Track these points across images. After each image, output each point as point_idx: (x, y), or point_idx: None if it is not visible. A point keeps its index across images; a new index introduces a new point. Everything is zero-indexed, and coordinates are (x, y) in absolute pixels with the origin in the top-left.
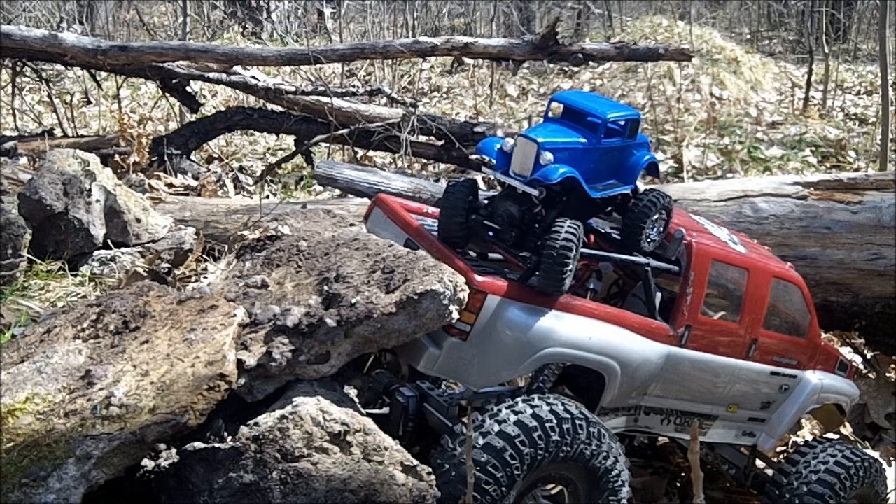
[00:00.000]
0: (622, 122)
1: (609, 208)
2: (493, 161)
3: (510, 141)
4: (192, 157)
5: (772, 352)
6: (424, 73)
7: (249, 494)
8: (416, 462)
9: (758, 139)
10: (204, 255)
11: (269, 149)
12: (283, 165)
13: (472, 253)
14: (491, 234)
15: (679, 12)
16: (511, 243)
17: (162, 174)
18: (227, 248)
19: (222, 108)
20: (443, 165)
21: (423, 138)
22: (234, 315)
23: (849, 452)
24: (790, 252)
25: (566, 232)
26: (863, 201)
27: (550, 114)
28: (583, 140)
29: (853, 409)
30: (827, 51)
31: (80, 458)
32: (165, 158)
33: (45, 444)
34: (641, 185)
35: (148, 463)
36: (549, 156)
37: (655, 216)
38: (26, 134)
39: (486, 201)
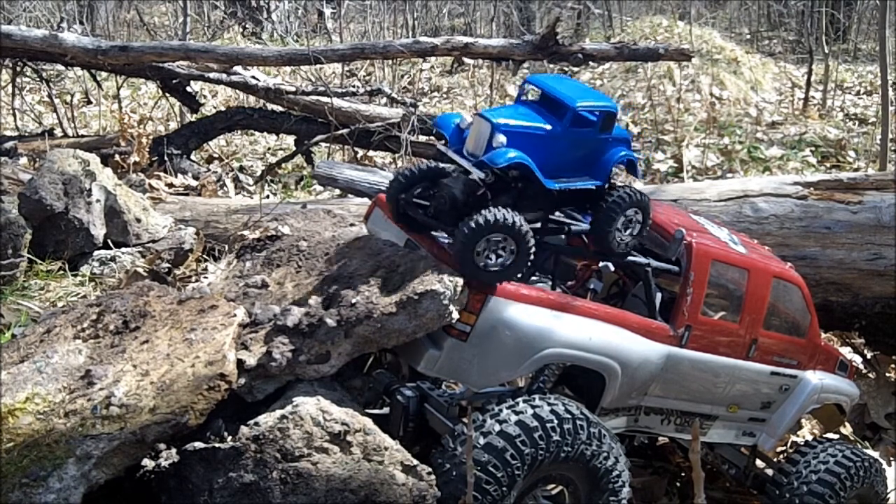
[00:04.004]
0: (594, 113)
1: (579, 204)
2: (447, 137)
3: (468, 118)
4: (193, 157)
5: (772, 352)
6: (424, 73)
7: (249, 494)
8: (416, 462)
9: (758, 139)
10: (204, 255)
11: (269, 149)
12: (283, 165)
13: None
14: (422, 212)
15: (679, 12)
16: (447, 224)
17: (162, 174)
18: (227, 248)
19: (222, 108)
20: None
21: (423, 138)
22: (234, 315)
23: (849, 452)
24: (790, 252)
25: (486, 215)
26: (863, 201)
27: (524, 97)
28: (546, 126)
29: (853, 409)
30: (827, 51)
31: (80, 457)
32: (165, 158)
33: (45, 443)
34: (638, 184)
35: (148, 463)
36: (501, 138)
37: (625, 216)
38: (26, 134)
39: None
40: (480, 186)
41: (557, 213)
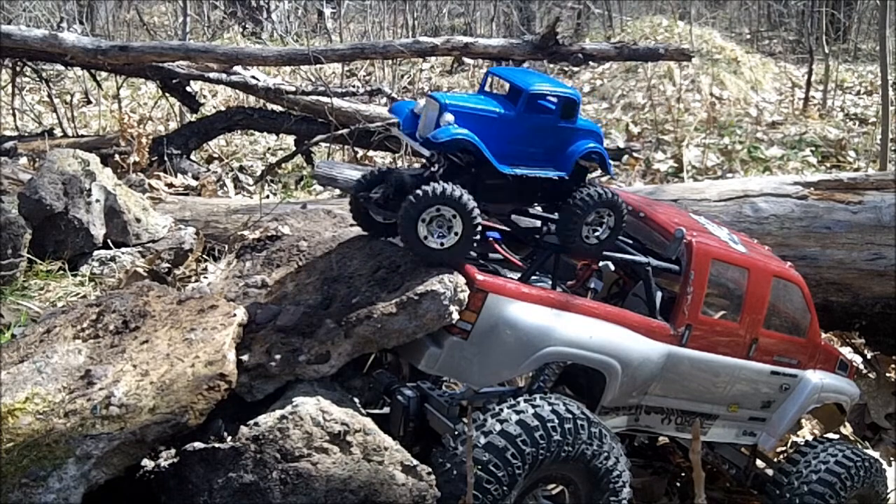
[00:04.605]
0: (551, 98)
1: (546, 199)
2: (400, 122)
3: (421, 102)
4: (192, 157)
5: (772, 351)
6: (424, 73)
7: (249, 494)
8: (416, 462)
9: (758, 139)
10: (204, 255)
11: (269, 149)
12: (283, 165)
13: (472, 253)
14: (378, 206)
15: (679, 12)
16: (394, 210)
17: (162, 174)
18: (227, 248)
19: (222, 108)
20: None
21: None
22: (234, 315)
23: (849, 452)
24: (790, 252)
25: (428, 188)
26: (863, 201)
27: (487, 89)
28: (497, 109)
29: (853, 409)
30: (827, 51)
31: (80, 457)
32: (165, 158)
33: (45, 443)
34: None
35: (148, 463)
36: (449, 117)
37: (595, 214)
38: (26, 134)
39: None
40: (431, 172)
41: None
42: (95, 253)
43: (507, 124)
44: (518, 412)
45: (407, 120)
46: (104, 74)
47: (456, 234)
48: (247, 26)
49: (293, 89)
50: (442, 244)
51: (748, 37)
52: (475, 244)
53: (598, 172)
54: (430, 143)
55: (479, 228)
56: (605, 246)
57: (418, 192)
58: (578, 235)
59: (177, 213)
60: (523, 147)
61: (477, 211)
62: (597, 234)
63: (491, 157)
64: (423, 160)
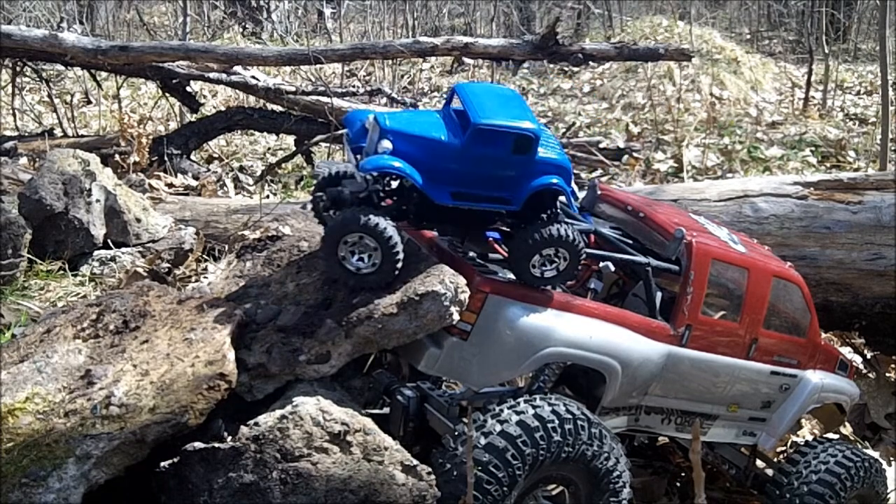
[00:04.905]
0: (502, 133)
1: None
2: (351, 133)
3: (371, 117)
4: (192, 157)
5: (772, 351)
6: (424, 73)
7: (249, 494)
8: (416, 462)
9: (758, 139)
10: (204, 255)
11: (269, 149)
12: (283, 165)
13: (472, 253)
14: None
15: (679, 12)
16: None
17: (162, 174)
18: (227, 248)
19: (222, 108)
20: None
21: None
22: (234, 315)
23: (849, 452)
24: (790, 252)
25: (347, 214)
26: (863, 201)
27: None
28: (441, 137)
29: (853, 409)
30: (827, 51)
31: (80, 457)
32: (165, 158)
33: (45, 443)
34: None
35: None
36: (386, 144)
37: (545, 253)
38: (26, 134)
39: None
40: (368, 192)
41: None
42: (95, 253)
43: (453, 153)
44: (518, 413)
45: (358, 133)
46: (104, 74)
47: (374, 264)
48: (247, 26)
49: (293, 89)
50: (358, 269)
51: (748, 37)
52: (396, 274)
53: (598, 172)
54: (362, 169)
55: (400, 259)
56: (562, 279)
57: (345, 216)
58: (527, 270)
59: (177, 213)
60: (467, 176)
61: (399, 246)
62: (546, 270)
63: (427, 189)
64: None
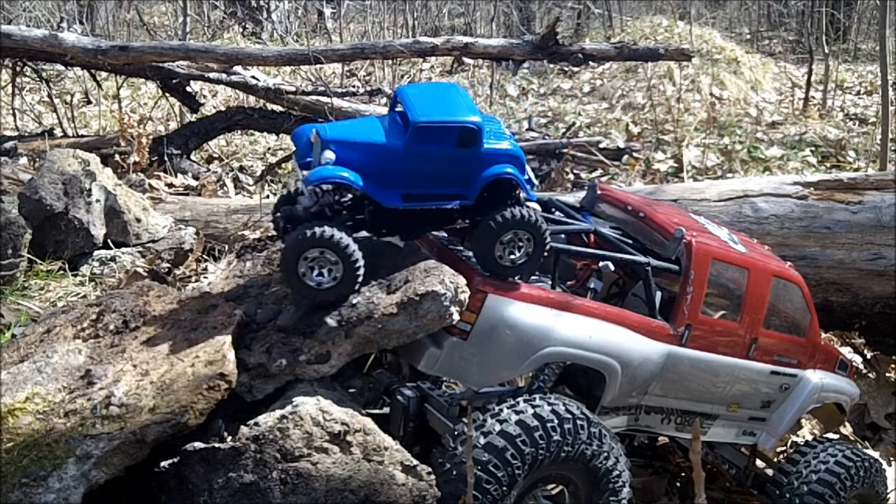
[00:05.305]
0: (444, 129)
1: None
2: (299, 150)
3: (314, 132)
4: (192, 157)
5: (772, 351)
6: (424, 73)
7: (249, 494)
8: (416, 462)
9: (758, 139)
10: (204, 255)
11: (269, 149)
12: (283, 165)
13: (471, 253)
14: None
15: (679, 12)
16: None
17: (162, 174)
18: (227, 248)
19: (222, 108)
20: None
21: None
22: (234, 315)
23: (849, 452)
24: (790, 252)
25: (303, 230)
26: (863, 201)
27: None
28: (382, 141)
29: (853, 408)
30: (827, 51)
31: (80, 457)
32: (165, 158)
33: (45, 443)
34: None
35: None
36: (329, 155)
37: (512, 235)
38: (26, 134)
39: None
40: (319, 207)
41: (558, 214)
42: (95, 253)
43: (397, 155)
44: (518, 412)
45: (304, 148)
46: (104, 74)
47: (335, 278)
48: (247, 26)
49: (293, 89)
50: (319, 284)
51: (748, 37)
52: (357, 287)
53: (598, 172)
54: (306, 182)
55: (360, 270)
56: (522, 270)
57: (297, 232)
58: (492, 257)
59: (177, 213)
60: (418, 177)
61: (358, 255)
62: (512, 256)
63: (373, 194)
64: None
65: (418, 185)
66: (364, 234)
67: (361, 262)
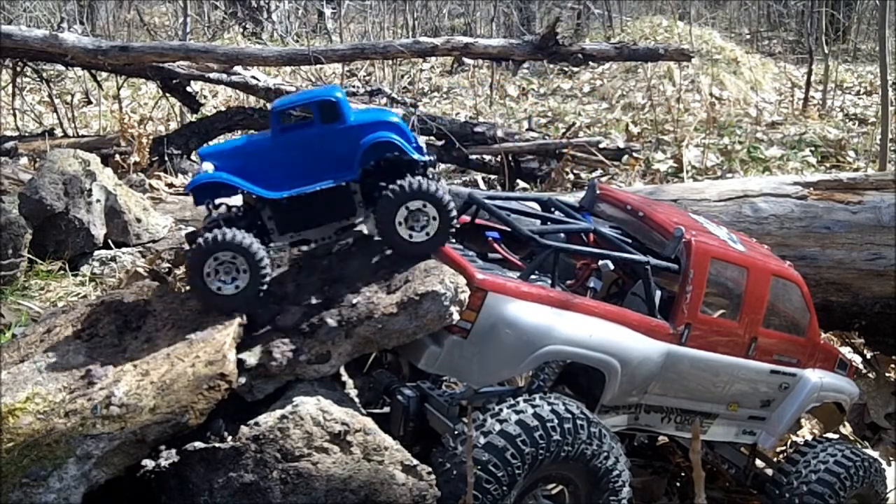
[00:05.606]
0: (303, 107)
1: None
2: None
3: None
4: (193, 157)
5: (771, 350)
6: (424, 74)
7: (249, 494)
8: (416, 462)
9: (757, 139)
10: None
11: None
12: None
13: (471, 252)
14: None
15: (679, 12)
16: None
17: (162, 174)
18: None
19: (222, 108)
20: (443, 166)
21: (423, 138)
22: (235, 315)
23: (849, 452)
24: (790, 252)
25: (207, 236)
26: (863, 201)
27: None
28: (255, 139)
29: (853, 408)
30: (827, 51)
31: (80, 457)
32: (166, 158)
33: (45, 443)
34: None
35: (148, 463)
36: (207, 166)
37: (404, 211)
38: (27, 134)
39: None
40: (213, 218)
41: (557, 213)
42: (96, 253)
43: (268, 149)
44: (518, 412)
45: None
46: (104, 74)
47: (244, 273)
48: (247, 26)
49: (293, 89)
50: (219, 289)
51: (748, 37)
52: (262, 291)
53: (598, 172)
54: (187, 192)
55: (268, 270)
56: (435, 243)
57: (205, 237)
58: (394, 232)
59: (177, 213)
60: (296, 165)
61: (262, 253)
62: (425, 229)
63: (250, 187)
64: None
65: (302, 172)
66: (278, 243)
67: (269, 269)
